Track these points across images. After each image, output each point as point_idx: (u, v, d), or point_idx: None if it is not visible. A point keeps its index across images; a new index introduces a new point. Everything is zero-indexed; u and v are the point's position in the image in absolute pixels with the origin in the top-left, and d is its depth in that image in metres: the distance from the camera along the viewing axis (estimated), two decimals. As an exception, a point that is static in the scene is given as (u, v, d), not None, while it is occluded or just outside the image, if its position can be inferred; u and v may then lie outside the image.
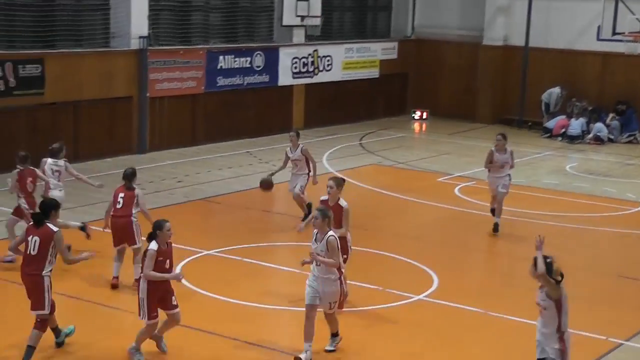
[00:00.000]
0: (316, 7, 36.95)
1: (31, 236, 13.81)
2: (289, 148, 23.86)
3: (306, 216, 21.18)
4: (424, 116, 41.73)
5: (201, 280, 18.00)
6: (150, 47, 31.03)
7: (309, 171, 23.45)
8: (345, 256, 16.15)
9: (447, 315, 16.94)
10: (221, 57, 34.02)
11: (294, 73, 37.18)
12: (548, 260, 12.08)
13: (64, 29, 30.14)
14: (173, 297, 14.07)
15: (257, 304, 16.94)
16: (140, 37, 30.77)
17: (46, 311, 13.85)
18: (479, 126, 40.15)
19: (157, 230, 13.91)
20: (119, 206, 17.55)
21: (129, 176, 17.68)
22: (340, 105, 39.49)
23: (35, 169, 19.77)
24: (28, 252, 13.84)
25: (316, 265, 14.42)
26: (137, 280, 16.87)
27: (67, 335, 14.76)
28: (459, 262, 17.91)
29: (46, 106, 28.83)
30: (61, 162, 20.28)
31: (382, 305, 17.20)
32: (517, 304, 17.18)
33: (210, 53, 33.60)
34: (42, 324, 13.91)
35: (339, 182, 17.39)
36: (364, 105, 40.88)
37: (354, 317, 16.47)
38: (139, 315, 14.14)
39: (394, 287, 17.99)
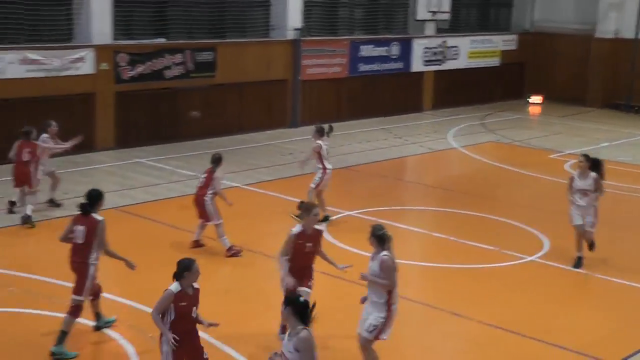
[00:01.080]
0: (446, 3, 36.97)
1: (77, 226, 12.97)
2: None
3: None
4: (539, 100, 41.25)
5: (344, 236, 18.19)
6: (303, 38, 31.46)
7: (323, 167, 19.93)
8: None
9: (554, 275, 16.82)
10: (363, 47, 34.24)
11: (424, 61, 37.14)
12: None
13: (232, 22, 30.89)
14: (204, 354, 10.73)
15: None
16: (295, 29, 31.28)
17: (82, 297, 12.87)
18: (589, 110, 39.44)
19: (184, 272, 10.46)
20: (199, 185, 17.37)
21: (216, 161, 17.32)
22: (464, 90, 39.26)
23: (36, 142, 19.37)
24: (74, 241, 12.98)
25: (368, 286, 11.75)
26: (228, 250, 17.26)
27: (107, 323, 13.61)
28: (568, 229, 17.83)
29: (217, 87, 29.56)
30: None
31: (498, 264, 17.16)
32: (621, 268, 17.12)
33: (353, 43, 33.90)
34: (75, 309, 12.79)
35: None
36: (485, 89, 40.53)
37: (474, 272, 16.64)
38: None
39: (509, 248, 17.91)
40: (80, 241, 12.80)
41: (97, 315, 13.56)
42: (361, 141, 30.19)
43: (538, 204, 22.33)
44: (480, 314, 14.36)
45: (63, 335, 12.59)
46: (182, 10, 29.31)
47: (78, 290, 12.79)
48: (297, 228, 12.62)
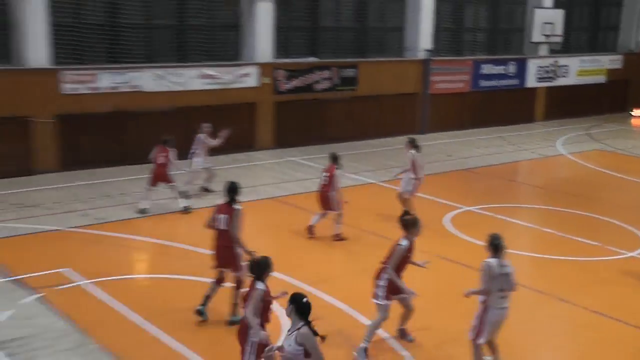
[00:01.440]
0: (558, 28, 36.66)
1: (219, 214, 12.98)
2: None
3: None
4: (641, 113, 40.59)
5: (465, 228, 18.45)
6: (432, 58, 31.77)
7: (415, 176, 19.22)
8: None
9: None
10: (483, 65, 34.38)
11: (537, 78, 36.96)
12: None
13: (372, 44, 31.46)
14: None
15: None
16: (426, 50, 31.65)
17: (241, 273, 12.75)
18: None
19: (265, 270, 10.18)
20: (323, 182, 17.46)
21: (335, 159, 17.49)
22: (573, 103, 38.78)
23: (170, 149, 19.53)
24: (217, 227, 12.95)
25: None
26: (336, 235, 17.48)
27: (233, 322, 12.64)
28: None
29: (358, 98, 30.09)
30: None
31: (600, 258, 17.01)
32: None
33: (475, 62, 34.07)
34: (240, 283, 12.84)
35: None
36: (592, 104, 39.93)
37: (579, 264, 16.57)
38: None
39: (610, 244, 17.77)
40: (222, 227, 12.89)
41: (206, 299, 13.15)
42: (480, 147, 30.29)
43: (638, 205, 22.06)
44: (583, 300, 14.39)
45: (235, 307, 12.85)
46: (331, 34, 30.03)
47: (238, 268, 12.88)
48: (405, 242, 11.94)
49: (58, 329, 12.60)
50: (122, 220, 18.87)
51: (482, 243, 11.67)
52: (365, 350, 11.75)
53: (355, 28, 30.78)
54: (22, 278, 14.74)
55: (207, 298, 13.07)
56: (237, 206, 12.94)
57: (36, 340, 12.26)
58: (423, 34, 31.72)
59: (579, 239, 18.08)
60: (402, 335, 12.54)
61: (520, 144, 31.38)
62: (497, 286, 10.89)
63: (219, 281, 13.19)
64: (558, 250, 17.41)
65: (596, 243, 17.91)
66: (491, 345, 11.25)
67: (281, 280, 14.74)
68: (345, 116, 29.64)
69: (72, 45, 24.10)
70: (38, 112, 23.31)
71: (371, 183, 23.15)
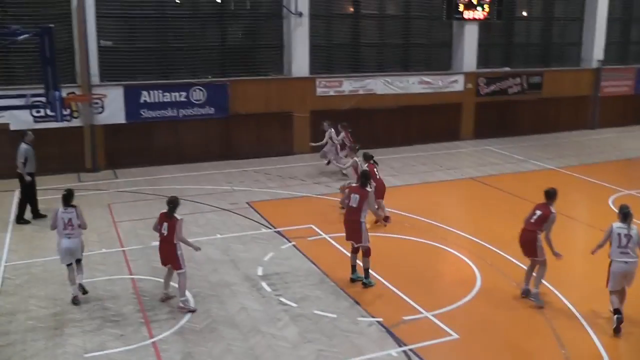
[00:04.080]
0: None
1: (353, 194, 12.58)
2: None
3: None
4: None
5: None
6: (602, 67, 30.16)
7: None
8: None
9: None
10: (647, 73, 32.27)
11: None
12: None
13: (555, 56, 30.13)
14: None
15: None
16: (598, 61, 30.06)
17: (367, 244, 12.48)
18: None
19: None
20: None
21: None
22: None
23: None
24: (350, 205, 12.49)
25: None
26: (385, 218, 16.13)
27: (365, 283, 12.60)
28: None
29: (542, 100, 28.95)
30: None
31: None
32: None
33: (638, 70, 31.65)
34: (367, 251, 12.54)
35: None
36: None
37: None
38: None
39: None
40: (354, 205, 12.48)
41: (353, 268, 12.92)
42: (642, 140, 28.54)
43: None
44: None
45: (367, 272, 12.61)
46: (522, 49, 29.20)
47: (362, 239, 12.45)
48: (554, 210, 11.69)
49: (305, 269, 13.39)
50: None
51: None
52: (538, 294, 11.91)
53: (541, 44, 29.76)
54: (281, 230, 15.78)
55: (353, 267, 12.89)
56: (368, 189, 12.49)
57: (289, 276, 13.11)
58: (596, 47, 30.05)
59: None
60: (526, 294, 12.16)
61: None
62: (616, 243, 10.88)
63: (355, 251, 12.84)
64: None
65: None
66: (620, 294, 11.08)
67: (470, 240, 15.16)
68: (532, 114, 28.95)
69: (325, 59, 25.21)
70: (298, 109, 24.60)
71: (550, 169, 22.66)
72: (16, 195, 17.53)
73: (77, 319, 11.39)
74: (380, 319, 11.32)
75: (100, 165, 22.14)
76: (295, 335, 10.82)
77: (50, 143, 20.84)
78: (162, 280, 12.31)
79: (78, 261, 12.11)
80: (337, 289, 12.55)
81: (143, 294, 12.34)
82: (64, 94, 10.59)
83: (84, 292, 12.22)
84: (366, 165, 16.05)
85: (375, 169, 16.04)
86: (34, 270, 13.58)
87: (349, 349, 10.45)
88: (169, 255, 11.59)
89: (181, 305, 11.65)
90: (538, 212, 11.84)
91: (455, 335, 10.81)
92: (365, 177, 12.73)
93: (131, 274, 13.26)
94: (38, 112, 20.84)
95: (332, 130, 21.12)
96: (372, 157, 16.44)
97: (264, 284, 12.77)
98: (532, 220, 11.86)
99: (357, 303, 11.95)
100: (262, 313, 11.61)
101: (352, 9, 25.64)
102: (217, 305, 11.91)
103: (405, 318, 11.37)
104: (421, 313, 11.54)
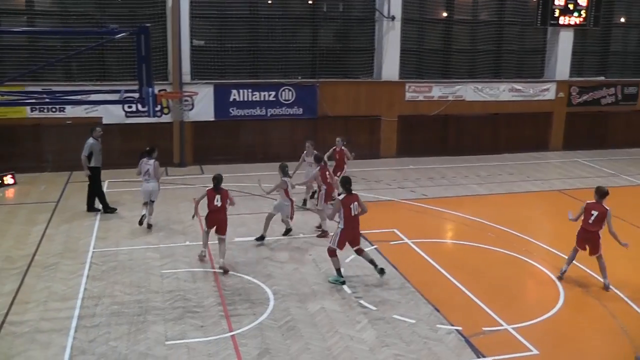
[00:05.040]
0: None
1: (353, 203, 12.60)
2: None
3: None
4: None
5: None
6: None
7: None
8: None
9: None
10: None
11: None
12: None
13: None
14: None
15: None
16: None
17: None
18: None
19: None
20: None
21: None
22: None
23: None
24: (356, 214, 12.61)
25: None
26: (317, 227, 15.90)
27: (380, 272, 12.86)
28: None
29: (637, 112, 27.81)
30: None
31: None
32: None
33: None
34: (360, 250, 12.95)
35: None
36: None
37: None
38: None
39: None
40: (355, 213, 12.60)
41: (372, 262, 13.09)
42: None
43: None
44: None
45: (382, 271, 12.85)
46: (618, 57, 28.13)
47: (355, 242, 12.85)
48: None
49: (386, 273, 13.29)
50: (440, 197, 19.32)
51: None
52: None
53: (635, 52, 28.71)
54: (365, 233, 15.80)
55: (371, 261, 13.01)
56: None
57: (370, 279, 13.08)
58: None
59: None
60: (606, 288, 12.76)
61: None
62: None
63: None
64: None
65: None
66: None
67: (555, 254, 14.73)
68: (625, 127, 27.83)
69: (415, 64, 25.01)
70: (385, 113, 24.54)
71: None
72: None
73: (160, 307, 11.68)
74: (459, 328, 11.14)
75: (187, 161, 22.68)
76: (373, 339, 10.76)
77: (140, 137, 21.51)
78: (243, 275, 12.69)
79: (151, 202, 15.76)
80: (418, 294, 12.43)
81: (224, 288, 12.54)
82: (156, 90, 10.78)
83: (148, 225, 15.73)
84: (318, 168, 15.77)
85: (327, 172, 15.77)
86: (121, 258, 14.01)
87: (426, 355, 10.32)
88: (221, 222, 13.35)
89: (222, 264, 13.18)
90: (594, 213, 12.64)
91: (535, 351, 10.52)
92: (348, 183, 12.82)
93: (213, 268, 13.49)
94: (130, 107, 21.57)
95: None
96: (322, 158, 16.24)
97: (344, 286, 12.76)
98: (591, 222, 12.67)
99: (437, 310, 11.82)
100: (341, 314, 11.61)
101: (445, 14, 25.37)
102: (297, 304, 11.98)
103: (485, 329, 11.15)
104: (501, 325, 11.30)
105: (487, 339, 10.85)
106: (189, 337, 10.67)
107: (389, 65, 24.23)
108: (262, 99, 23.12)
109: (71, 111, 21.30)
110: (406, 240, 15.29)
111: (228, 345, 10.43)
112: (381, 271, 12.99)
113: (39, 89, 19.46)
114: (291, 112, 23.47)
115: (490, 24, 25.89)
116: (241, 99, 22.94)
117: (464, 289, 12.70)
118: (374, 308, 11.84)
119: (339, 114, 23.87)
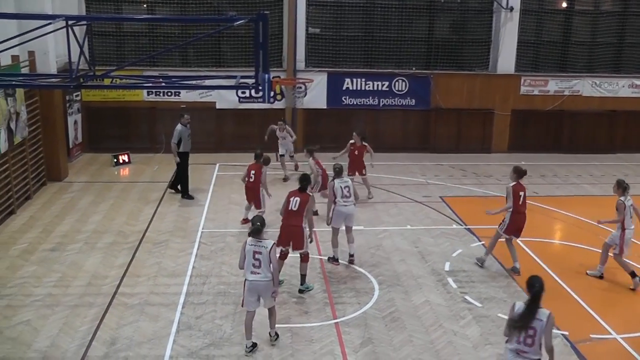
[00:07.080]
0: None
1: (293, 197, 11.71)
2: None
3: None
4: None
5: None
6: None
7: None
8: None
9: None
10: None
11: None
12: None
13: None
14: None
15: None
16: None
17: (306, 249, 11.67)
18: None
19: None
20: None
21: (310, 151, 15.66)
22: None
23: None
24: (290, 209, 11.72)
25: None
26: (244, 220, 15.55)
27: (302, 290, 11.86)
28: None
29: None
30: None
31: None
32: None
33: None
34: (306, 258, 11.78)
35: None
36: None
37: None
38: None
39: None
40: (295, 209, 11.58)
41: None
42: None
43: None
44: None
45: (304, 278, 11.97)
46: None
47: (304, 245, 11.69)
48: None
49: (493, 270, 13.12)
50: (551, 196, 18.84)
51: None
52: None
53: None
54: (472, 228, 15.61)
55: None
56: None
57: (476, 274, 12.95)
58: None
59: None
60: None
61: None
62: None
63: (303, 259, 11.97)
64: None
65: None
66: None
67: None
68: None
69: (531, 57, 24.32)
70: (499, 107, 24.04)
71: None
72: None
73: (266, 291, 11.86)
74: (566, 333, 10.81)
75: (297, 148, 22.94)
76: (476, 335, 10.63)
77: (253, 122, 22.09)
78: (350, 265, 12.83)
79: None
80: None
81: (330, 275, 12.68)
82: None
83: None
84: (310, 159, 15.88)
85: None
86: (228, 240, 14.39)
87: (531, 357, 10.03)
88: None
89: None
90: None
91: (646, 363, 10.10)
92: (306, 181, 11.85)
93: (320, 255, 13.64)
94: (243, 92, 22.06)
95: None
96: (313, 150, 16.19)
97: (450, 280, 12.66)
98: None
99: (544, 312, 11.44)
100: (445, 309, 11.53)
101: (565, 5, 24.52)
102: (401, 295, 11.97)
103: (593, 336, 10.78)
104: (610, 334, 10.89)
105: (594, 347, 10.49)
106: (293, 322, 10.86)
107: (505, 58, 23.67)
108: (375, 88, 23.13)
109: (186, 96, 22.06)
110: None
111: (331, 333, 10.55)
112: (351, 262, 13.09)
113: (156, 73, 20.24)
114: (404, 103, 23.37)
115: (613, 14, 24.77)
116: (354, 88, 23.03)
117: (572, 292, 12.34)
118: (479, 305, 11.68)
119: (452, 106, 23.57)
